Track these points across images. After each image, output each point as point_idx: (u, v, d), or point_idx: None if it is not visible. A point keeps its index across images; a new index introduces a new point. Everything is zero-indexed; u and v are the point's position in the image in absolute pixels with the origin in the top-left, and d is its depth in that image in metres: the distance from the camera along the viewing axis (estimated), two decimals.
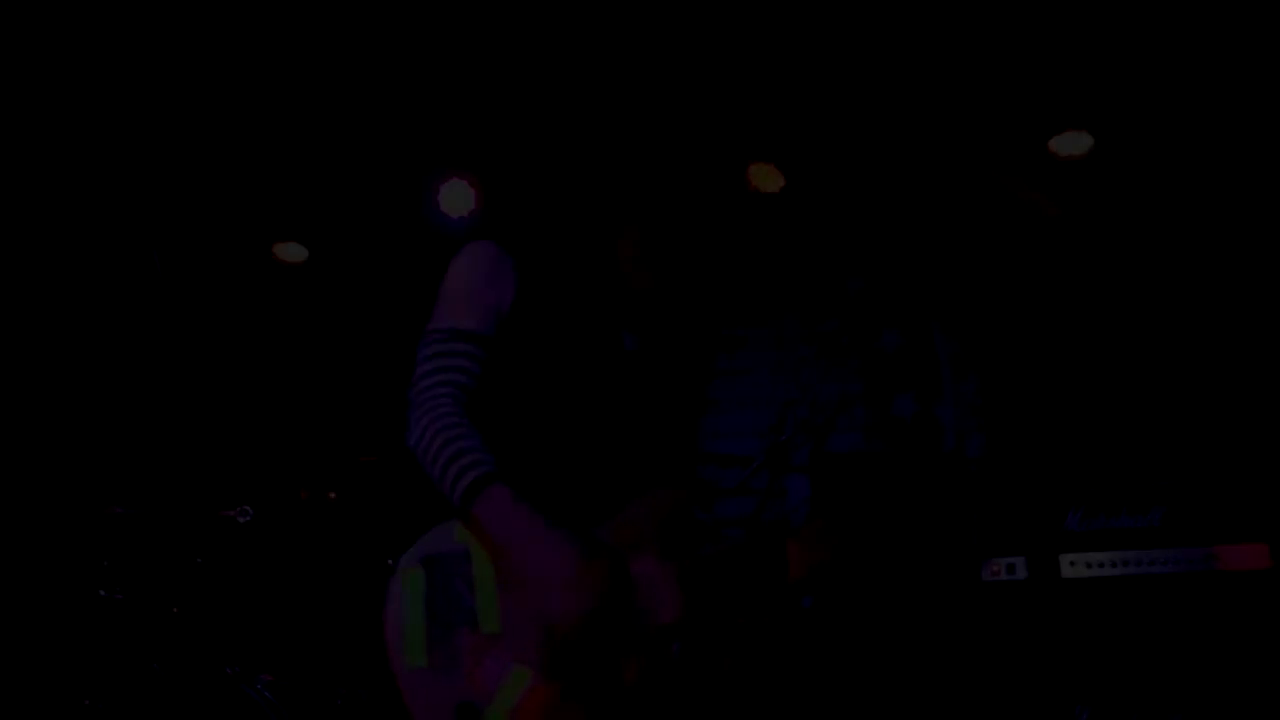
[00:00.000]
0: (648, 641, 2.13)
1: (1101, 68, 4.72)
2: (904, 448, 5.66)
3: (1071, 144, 5.11)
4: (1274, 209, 4.83)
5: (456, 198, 5.61)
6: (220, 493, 4.30)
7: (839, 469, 4.80)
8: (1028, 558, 4.07)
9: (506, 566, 2.04)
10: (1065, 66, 4.74)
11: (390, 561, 4.27)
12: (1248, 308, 4.90)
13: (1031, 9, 4.46)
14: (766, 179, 5.36)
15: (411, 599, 2.02)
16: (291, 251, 6.00)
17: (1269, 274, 4.84)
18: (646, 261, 2.36)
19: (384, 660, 4.19)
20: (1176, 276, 5.07)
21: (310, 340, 6.07)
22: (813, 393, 5.74)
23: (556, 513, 2.09)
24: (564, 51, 4.70)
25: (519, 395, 2.22)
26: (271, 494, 4.41)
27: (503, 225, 2.34)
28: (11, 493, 4.64)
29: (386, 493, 4.50)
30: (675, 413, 2.42)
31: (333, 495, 4.41)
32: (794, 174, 5.39)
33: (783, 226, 5.76)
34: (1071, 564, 4.01)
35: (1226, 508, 3.87)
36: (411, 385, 2.15)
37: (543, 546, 2.01)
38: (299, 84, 4.93)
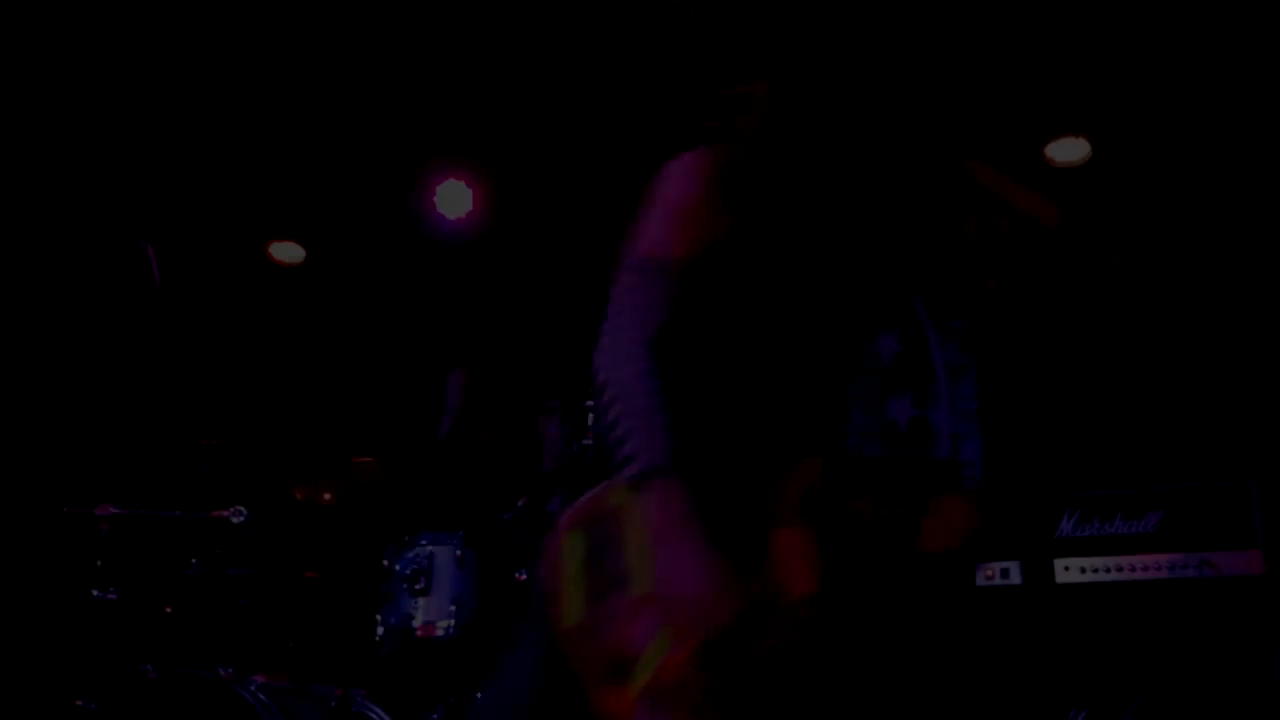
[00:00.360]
0: (784, 612, 2.13)
1: (1099, 73, 4.73)
2: (899, 452, 5.66)
3: (1068, 151, 5.11)
4: (1272, 215, 4.84)
5: (454, 198, 5.59)
6: (215, 493, 4.29)
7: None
8: (1022, 563, 4.07)
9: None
10: (1062, 72, 4.75)
11: (384, 563, 4.26)
12: (1244, 314, 4.90)
13: (1030, 13, 4.47)
14: None
15: (571, 559, 2.03)
16: (287, 252, 5.99)
17: (1266, 280, 4.85)
18: None
19: (382, 660, 4.18)
20: (1173, 281, 5.08)
21: (306, 340, 6.06)
22: None
23: (728, 461, 2.04)
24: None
25: (711, 335, 2.06)
26: (266, 494, 4.40)
27: (728, 140, 2.09)
28: (4, 492, 4.63)
29: (381, 493, 4.49)
30: (839, 375, 2.32)
31: (328, 496, 4.40)
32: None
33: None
34: (1066, 569, 4.02)
35: (1221, 513, 3.88)
36: (605, 319, 1.95)
37: (682, 560, 1.93)
38: (297, 82, 4.93)
